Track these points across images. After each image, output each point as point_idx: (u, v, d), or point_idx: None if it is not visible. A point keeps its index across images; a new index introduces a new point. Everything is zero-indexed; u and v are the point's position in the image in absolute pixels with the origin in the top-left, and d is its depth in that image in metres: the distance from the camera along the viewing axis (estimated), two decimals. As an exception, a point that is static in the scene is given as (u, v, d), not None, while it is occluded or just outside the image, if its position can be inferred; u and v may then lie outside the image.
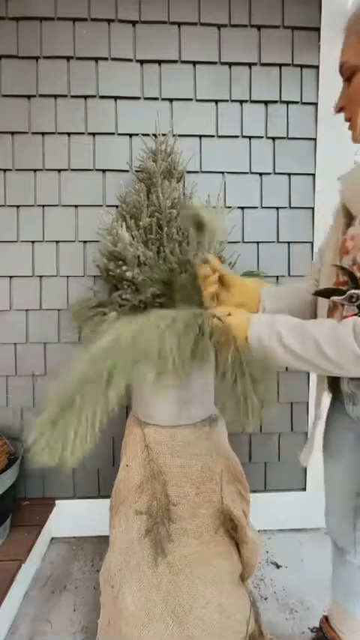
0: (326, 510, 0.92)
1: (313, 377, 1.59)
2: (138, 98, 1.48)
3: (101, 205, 1.49)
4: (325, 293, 0.72)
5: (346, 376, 0.70)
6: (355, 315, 0.64)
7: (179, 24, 1.45)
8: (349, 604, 0.91)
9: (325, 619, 1.02)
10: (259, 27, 1.47)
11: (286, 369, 1.58)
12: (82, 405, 0.70)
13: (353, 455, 0.78)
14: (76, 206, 1.49)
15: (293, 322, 0.67)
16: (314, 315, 0.85)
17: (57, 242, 1.50)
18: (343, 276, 0.69)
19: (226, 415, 0.68)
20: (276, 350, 0.66)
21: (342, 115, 0.73)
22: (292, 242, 1.56)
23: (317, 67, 1.49)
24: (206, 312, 0.77)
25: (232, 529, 1.05)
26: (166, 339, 0.70)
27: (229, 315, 0.74)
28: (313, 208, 1.55)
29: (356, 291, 0.64)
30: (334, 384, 0.81)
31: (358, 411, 0.74)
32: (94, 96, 1.47)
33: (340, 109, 0.73)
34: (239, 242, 1.52)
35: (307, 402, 1.59)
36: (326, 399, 0.84)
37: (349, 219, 0.73)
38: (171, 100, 1.48)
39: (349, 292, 0.65)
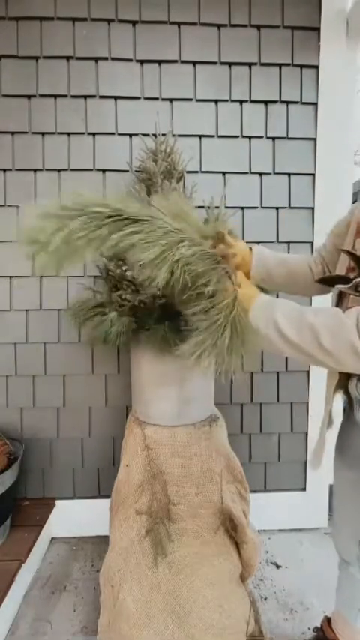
0: (334, 523, 0.90)
1: (313, 377, 1.59)
2: (138, 98, 1.48)
3: (101, 205, 1.49)
4: (330, 280, 0.68)
5: (344, 371, 0.67)
6: None
7: (179, 24, 1.45)
8: (351, 614, 0.91)
9: (327, 620, 1.01)
10: (259, 27, 1.47)
11: (286, 368, 1.58)
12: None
13: None
14: (76, 206, 1.49)
15: (293, 309, 0.64)
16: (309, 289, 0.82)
17: (57, 242, 1.50)
18: (351, 262, 0.65)
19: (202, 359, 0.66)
20: (272, 336, 0.63)
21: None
22: (292, 242, 1.56)
23: (317, 67, 1.49)
24: (222, 267, 0.73)
25: (232, 529, 1.05)
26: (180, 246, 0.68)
27: (240, 285, 0.72)
28: (313, 208, 1.55)
29: None
30: (344, 387, 0.78)
31: None
32: (94, 96, 1.47)
33: None
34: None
35: (307, 402, 1.59)
36: (337, 403, 0.80)
37: None
38: (171, 100, 1.48)
39: (355, 280, 0.60)
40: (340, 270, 0.71)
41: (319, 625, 1.05)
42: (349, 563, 0.86)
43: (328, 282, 0.69)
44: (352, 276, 0.63)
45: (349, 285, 0.62)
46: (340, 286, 0.63)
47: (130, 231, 0.66)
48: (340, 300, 0.70)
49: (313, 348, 0.59)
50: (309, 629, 1.13)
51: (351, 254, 0.64)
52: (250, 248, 0.92)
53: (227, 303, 0.69)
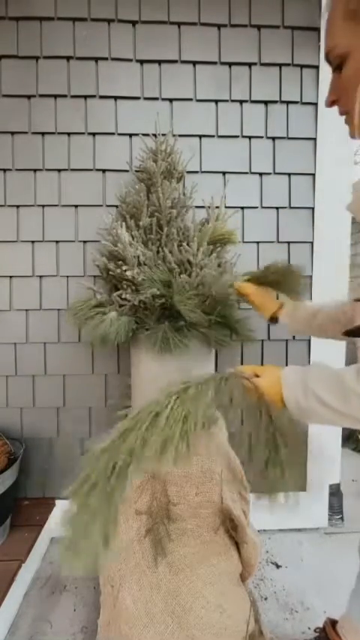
0: None
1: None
2: (138, 98, 1.48)
3: (101, 205, 1.49)
4: (357, 332, 0.64)
5: None
6: None
7: (179, 24, 1.45)
8: None
9: (331, 623, 1.00)
10: (259, 27, 1.47)
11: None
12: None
13: None
14: (76, 206, 1.49)
15: (329, 376, 0.59)
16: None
17: (57, 242, 1.50)
18: None
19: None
20: (317, 410, 0.58)
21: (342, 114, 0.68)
22: (292, 242, 1.56)
23: (317, 67, 1.49)
24: (233, 373, 0.71)
25: (232, 529, 1.05)
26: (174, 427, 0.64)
27: (257, 376, 0.68)
28: (313, 208, 1.55)
29: None
30: None
31: None
32: (94, 96, 1.47)
33: (332, 103, 0.64)
34: (239, 242, 1.52)
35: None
36: None
37: None
38: (171, 100, 1.48)
39: None
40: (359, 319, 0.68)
41: (320, 626, 1.05)
42: None
43: (354, 334, 0.65)
44: None
45: None
46: None
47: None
48: None
49: None
50: (309, 629, 1.13)
51: None
52: (282, 305, 0.99)
53: (255, 406, 0.65)
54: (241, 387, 0.68)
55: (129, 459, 0.63)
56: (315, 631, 1.08)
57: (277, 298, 1.06)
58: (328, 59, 0.60)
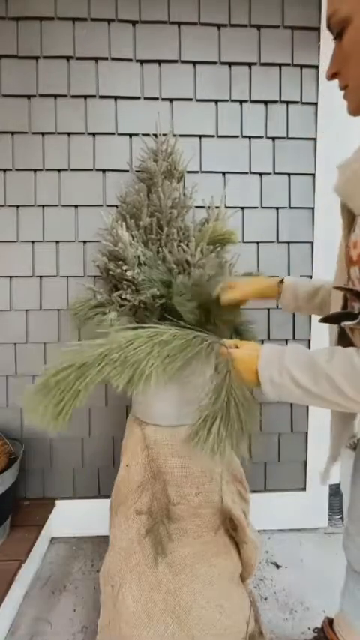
0: (346, 533, 0.87)
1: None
2: (138, 98, 1.48)
3: (101, 205, 1.49)
4: (335, 318, 0.63)
5: None
6: None
7: (179, 24, 1.45)
8: (358, 621, 0.89)
9: (329, 622, 1.01)
10: (259, 27, 1.47)
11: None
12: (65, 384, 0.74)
13: None
14: (76, 206, 1.49)
15: (304, 357, 0.60)
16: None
17: (57, 242, 1.50)
18: (352, 297, 0.60)
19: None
20: (289, 388, 0.60)
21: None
22: (292, 242, 1.56)
23: (317, 67, 1.49)
24: (217, 342, 0.75)
25: (232, 529, 1.05)
26: (151, 355, 0.72)
27: (237, 347, 0.71)
28: (313, 208, 1.55)
29: None
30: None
31: None
32: (94, 96, 1.47)
33: (332, 76, 0.60)
34: (239, 242, 1.52)
35: (307, 402, 1.59)
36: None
37: (350, 220, 0.60)
38: (171, 100, 1.48)
39: None
40: (336, 306, 0.67)
41: (319, 625, 1.05)
42: None
43: (331, 320, 0.64)
44: (357, 310, 0.59)
45: (355, 322, 0.57)
46: (346, 324, 0.59)
47: (96, 372, 0.73)
48: (342, 337, 0.66)
49: (335, 396, 0.55)
50: (309, 629, 1.13)
51: (350, 290, 0.59)
52: (282, 280, 0.94)
53: (221, 368, 0.69)
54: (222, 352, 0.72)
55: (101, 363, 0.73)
56: (314, 631, 1.08)
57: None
58: (329, 26, 0.57)
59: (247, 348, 0.70)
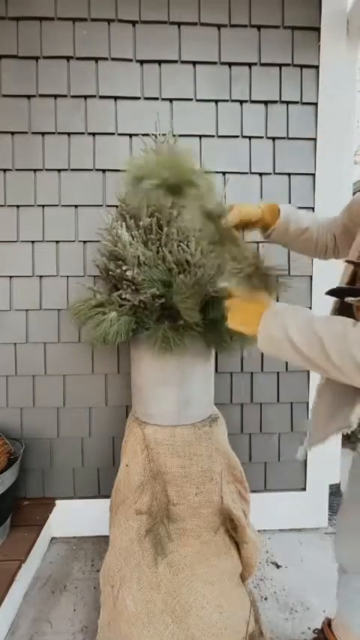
0: (337, 540, 0.88)
1: (313, 377, 1.59)
2: (138, 98, 1.48)
3: (101, 205, 1.49)
4: (339, 292, 0.63)
5: (351, 384, 0.62)
6: None
7: (179, 24, 1.45)
8: (354, 623, 0.89)
9: (328, 622, 1.01)
10: (259, 27, 1.47)
11: (286, 368, 1.58)
12: None
13: None
14: (76, 206, 1.49)
15: (303, 317, 0.60)
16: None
17: (57, 242, 1.50)
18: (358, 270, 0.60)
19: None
20: (283, 345, 0.60)
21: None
22: (292, 242, 1.56)
23: (317, 67, 1.49)
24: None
25: (232, 529, 1.05)
26: None
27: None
28: (313, 208, 1.55)
29: None
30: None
31: None
32: (94, 96, 1.47)
33: None
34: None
35: (307, 402, 1.59)
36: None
37: None
38: (171, 100, 1.48)
39: None
40: (343, 279, 0.67)
41: (319, 627, 1.05)
42: (356, 576, 0.85)
43: (335, 294, 0.64)
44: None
45: (358, 299, 0.57)
46: (350, 299, 0.59)
47: None
48: (340, 312, 0.66)
49: (321, 360, 0.55)
50: (309, 629, 1.13)
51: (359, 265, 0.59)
52: (279, 209, 0.91)
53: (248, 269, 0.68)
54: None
55: None
56: (314, 632, 1.08)
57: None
58: None
59: (254, 299, 0.69)
